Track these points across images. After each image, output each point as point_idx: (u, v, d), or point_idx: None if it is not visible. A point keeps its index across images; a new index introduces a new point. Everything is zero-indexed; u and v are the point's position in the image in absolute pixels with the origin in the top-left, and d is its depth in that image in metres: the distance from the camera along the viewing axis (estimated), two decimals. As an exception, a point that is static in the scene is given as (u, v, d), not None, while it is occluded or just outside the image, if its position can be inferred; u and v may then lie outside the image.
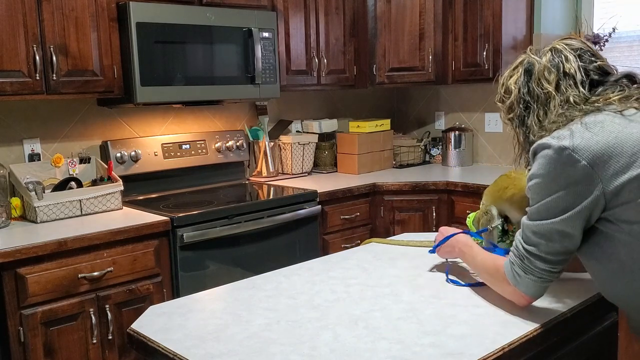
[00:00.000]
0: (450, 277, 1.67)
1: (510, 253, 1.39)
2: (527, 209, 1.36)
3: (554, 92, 1.39)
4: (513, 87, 1.49)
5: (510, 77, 1.51)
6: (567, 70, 1.40)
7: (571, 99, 1.37)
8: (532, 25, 3.62)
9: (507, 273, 1.38)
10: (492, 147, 3.94)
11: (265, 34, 3.15)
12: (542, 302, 1.46)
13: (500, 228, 1.73)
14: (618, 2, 3.58)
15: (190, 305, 1.55)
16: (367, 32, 3.70)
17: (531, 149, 1.35)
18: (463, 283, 1.62)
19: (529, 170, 1.36)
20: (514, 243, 1.39)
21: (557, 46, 1.44)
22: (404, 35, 3.71)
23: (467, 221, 1.89)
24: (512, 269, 1.37)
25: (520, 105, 1.46)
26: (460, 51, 3.62)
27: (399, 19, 3.70)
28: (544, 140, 1.31)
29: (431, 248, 1.78)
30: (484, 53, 3.49)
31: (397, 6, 3.69)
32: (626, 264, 1.28)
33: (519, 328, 1.31)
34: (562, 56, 1.42)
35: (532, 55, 1.47)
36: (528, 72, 1.45)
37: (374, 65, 3.73)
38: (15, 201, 2.65)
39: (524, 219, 1.36)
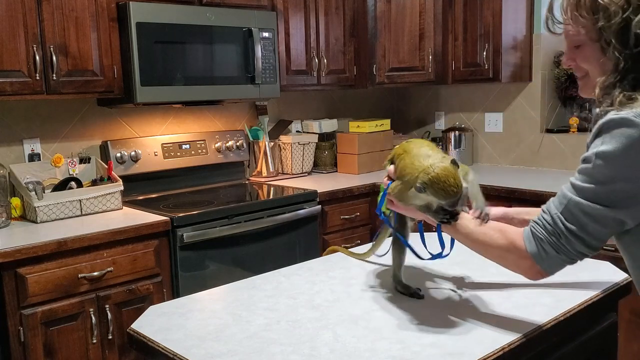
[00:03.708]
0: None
1: (537, 227, 1.21)
2: (576, 182, 1.17)
3: None
4: None
5: None
6: None
7: None
8: (532, 25, 3.62)
9: (530, 247, 1.21)
10: (492, 147, 3.94)
11: (265, 34, 3.15)
12: (542, 302, 1.46)
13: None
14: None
15: (190, 305, 1.55)
16: (367, 32, 3.70)
17: (604, 122, 1.12)
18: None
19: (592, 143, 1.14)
20: (543, 217, 1.21)
21: None
22: (404, 35, 3.71)
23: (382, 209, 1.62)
24: (540, 244, 1.20)
25: (629, 15, 1.13)
26: (460, 51, 3.62)
27: (399, 19, 3.70)
28: (630, 116, 1.09)
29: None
30: (484, 53, 3.49)
31: (397, 6, 3.69)
32: None
33: (519, 328, 1.31)
34: None
35: None
36: None
37: (374, 65, 3.72)
38: (15, 201, 2.65)
39: (570, 193, 1.17)
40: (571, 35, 1.24)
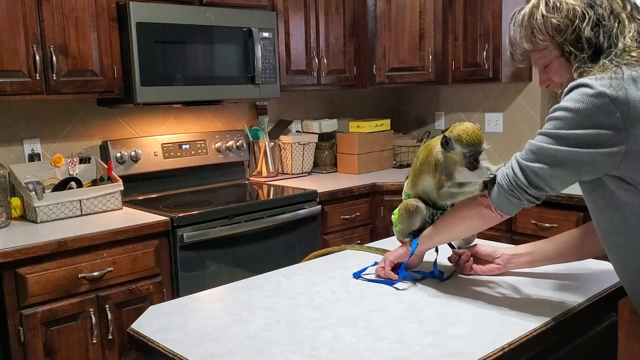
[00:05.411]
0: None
1: (501, 169, 1.40)
2: (538, 131, 1.32)
3: (627, 17, 1.31)
4: (576, 5, 1.32)
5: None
6: None
7: None
8: (532, 25, 3.62)
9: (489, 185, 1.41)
10: (492, 147, 3.93)
11: (265, 34, 3.15)
12: (542, 302, 1.46)
13: (431, 221, 1.63)
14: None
15: (190, 305, 1.55)
16: (367, 32, 3.70)
17: (568, 87, 1.28)
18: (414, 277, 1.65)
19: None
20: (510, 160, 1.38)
21: None
22: (404, 35, 3.71)
23: (392, 218, 1.74)
24: (497, 181, 1.38)
25: (586, 25, 1.31)
26: (460, 51, 3.62)
27: (399, 19, 3.70)
28: (586, 80, 1.25)
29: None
30: (484, 53, 3.49)
31: (397, 6, 3.69)
32: (630, 219, 1.29)
33: (519, 328, 1.31)
34: None
35: None
36: None
37: (374, 65, 3.73)
38: (15, 201, 2.65)
39: (530, 140, 1.32)
40: (537, 59, 1.42)
